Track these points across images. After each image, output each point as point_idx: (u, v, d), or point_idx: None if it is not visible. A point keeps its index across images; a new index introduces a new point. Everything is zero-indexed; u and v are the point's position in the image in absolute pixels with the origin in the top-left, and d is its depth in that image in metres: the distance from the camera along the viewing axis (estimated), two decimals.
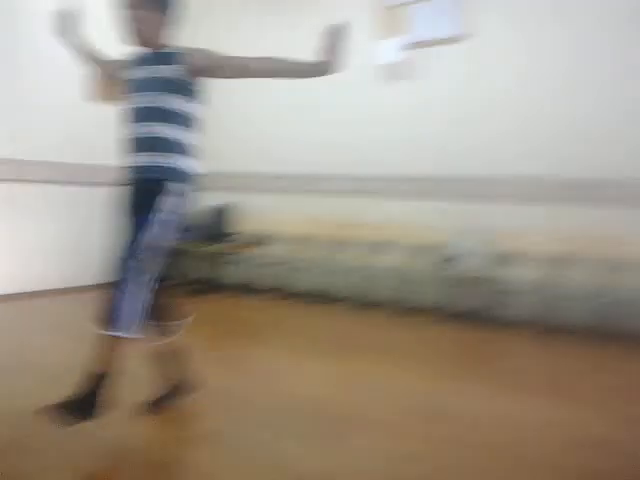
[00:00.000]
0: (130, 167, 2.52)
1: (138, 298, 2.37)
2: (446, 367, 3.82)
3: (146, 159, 2.47)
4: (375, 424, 2.67)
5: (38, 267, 5.55)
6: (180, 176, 2.48)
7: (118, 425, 2.52)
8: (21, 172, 5.38)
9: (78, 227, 5.87)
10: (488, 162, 5.19)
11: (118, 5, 2.46)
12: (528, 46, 5.05)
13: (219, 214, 6.50)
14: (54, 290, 5.62)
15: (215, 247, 6.26)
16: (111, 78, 2.85)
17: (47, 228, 5.64)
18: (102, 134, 5.74)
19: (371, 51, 5.68)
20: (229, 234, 6.37)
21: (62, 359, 3.48)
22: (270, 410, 2.81)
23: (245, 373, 3.46)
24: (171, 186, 2.44)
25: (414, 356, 4.08)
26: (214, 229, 6.38)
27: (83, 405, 2.35)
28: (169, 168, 2.46)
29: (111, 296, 2.36)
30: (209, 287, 6.30)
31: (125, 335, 2.35)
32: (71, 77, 5.60)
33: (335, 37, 2.32)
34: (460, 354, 4.21)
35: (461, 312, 5.16)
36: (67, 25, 2.71)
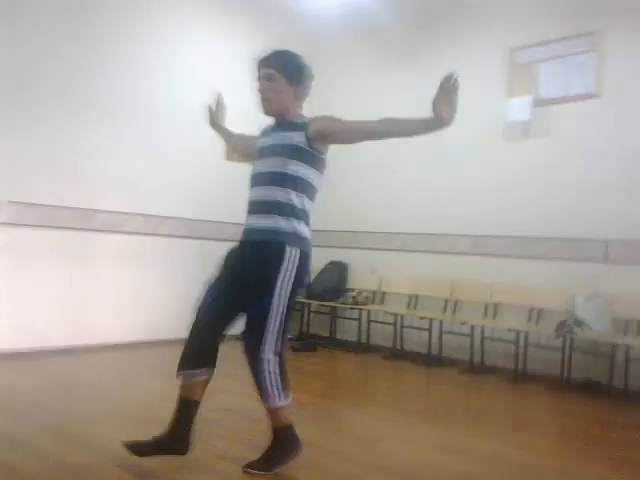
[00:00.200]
0: (248, 229, 2.63)
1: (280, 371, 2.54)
2: (563, 442, 3.57)
3: (264, 221, 2.55)
4: None
5: (161, 317, 5.87)
6: (295, 239, 2.54)
7: (210, 475, 2.57)
8: (151, 226, 5.78)
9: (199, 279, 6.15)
10: (616, 224, 4.94)
11: (255, 77, 2.64)
12: None
13: (336, 271, 6.59)
14: (173, 340, 5.90)
15: (331, 303, 6.34)
16: (241, 152, 3.11)
17: (169, 279, 5.97)
18: (223, 192, 6.16)
19: (501, 108, 5.63)
20: (345, 290, 6.43)
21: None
22: (368, 469, 2.75)
23: (348, 433, 3.42)
24: (287, 250, 2.50)
25: (530, 427, 3.86)
26: (331, 285, 6.46)
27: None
28: (287, 232, 2.53)
29: (253, 375, 2.53)
30: (324, 342, 6.37)
31: (283, 404, 2.57)
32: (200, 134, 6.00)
33: (448, 88, 2.29)
34: (581, 428, 3.90)
35: (582, 381, 4.85)
36: (216, 115, 3.06)
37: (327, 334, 6.59)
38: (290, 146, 2.55)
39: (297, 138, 2.56)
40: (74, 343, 5.19)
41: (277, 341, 2.51)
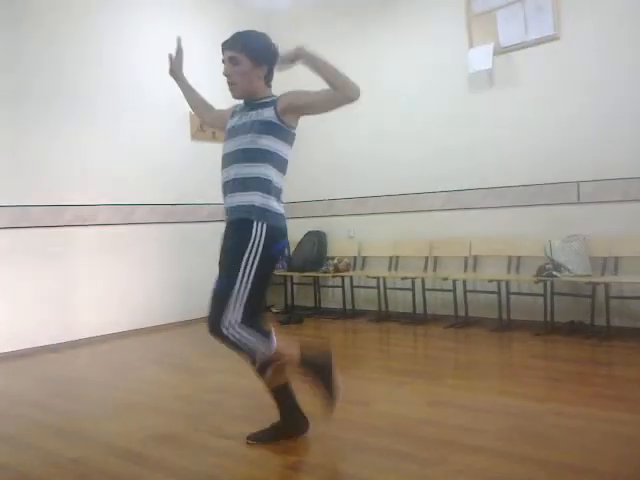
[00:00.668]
0: (226, 208, 2.61)
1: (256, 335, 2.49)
2: (553, 385, 3.65)
3: (238, 199, 2.54)
4: (476, 447, 2.58)
5: (144, 304, 5.86)
6: (264, 215, 2.52)
7: (213, 457, 2.60)
8: (123, 215, 5.73)
9: (184, 264, 6.16)
10: (586, 164, 4.99)
11: (222, 60, 2.59)
12: (616, 43, 4.83)
13: (315, 241, 6.59)
14: (168, 325, 5.93)
15: (313, 273, 6.36)
16: (210, 125, 3.06)
17: (147, 266, 5.94)
18: (192, 175, 6.13)
19: (463, 60, 5.58)
20: (326, 259, 6.45)
21: (171, 392, 3.65)
22: (364, 433, 2.79)
23: (341, 398, 3.45)
24: (255, 225, 2.49)
25: (518, 374, 3.94)
26: (311, 256, 6.47)
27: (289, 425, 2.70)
28: (257, 207, 2.51)
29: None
30: (309, 313, 6.40)
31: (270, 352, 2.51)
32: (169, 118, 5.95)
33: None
34: (569, 370, 3.97)
35: (566, 323, 4.95)
36: (175, 63, 2.95)
37: (312, 304, 6.63)
38: (259, 121, 2.53)
39: (266, 113, 2.54)
40: (59, 340, 5.16)
41: (236, 312, 2.43)
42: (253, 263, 2.46)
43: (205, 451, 2.66)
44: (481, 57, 5.48)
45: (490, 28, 5.45)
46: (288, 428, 2.73)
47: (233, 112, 2.74)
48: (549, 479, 2.24)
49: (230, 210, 2.59)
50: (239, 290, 2.43)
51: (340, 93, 2.44)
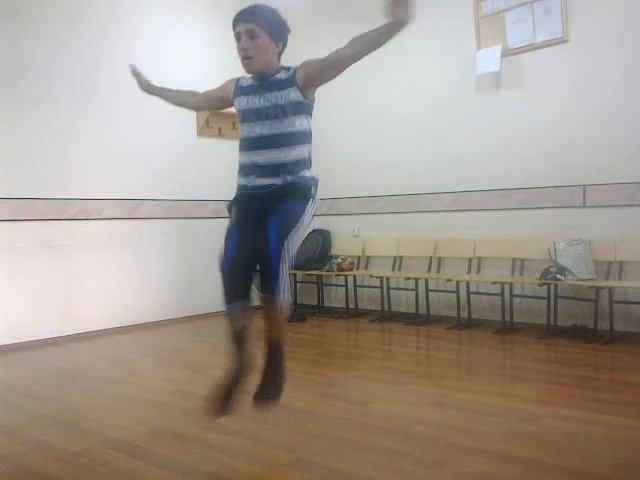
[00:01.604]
0: (262, 186, 2.55)
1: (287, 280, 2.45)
2: (554, 388, 3.64)
3: (282, 180, 2.54)
4: (477, 449, 2.58)
5: (147, 300, 5.87)
6: (314, 182, 2.61)
7: (212, 452, 2.61)
8: (129, 210, 5.74)
9: (187, 260, 6.17)
10: (592, 168, 4.97)
11: (235, 34, 2.52)
12: (624, 47, 4.81)
13: (319, 239, 6.59)
14: (170, 320, 5.94)
15: (317, 271, 6.35)
16: (205, 108, 2.99)
17: (152, 262, 5.95)
18: (198, 171, 6.15)
19: (471, 61, 5.57)
20: (329, 258, 6.44)
21: (171, 387, 3.65)
22: (364, 432, 2.78)
23: (342, 397, 3.45)
24: (313, 189, 2.59)
25: (520, 377, 3.93)
26: (315, 254, 6.47)
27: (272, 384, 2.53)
28: (307, 178, 2.58)
29: (270, 274, 2.40)
30: (312, 311, 6.40)
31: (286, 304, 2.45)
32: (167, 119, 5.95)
33: None
34: (571, 374, 3.97)
35: (569, 327, 4.93)
36: (140, 81, 2.96)
37: (315, 303, 6.62)
38: (291, 104, 2.51)
39: (293, 94, 2.51)
40: (60, 334, 5.18)
41: (289, 251, 2.42)
42: (308, 215, 2.53)
43: (204, 446, 2.66)
44: (489, 59, 5.46)
45: (498, 30, 5.44)
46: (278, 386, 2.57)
47: (239, 88, 2.65)
48: None
49: (269, 187, 2.54)
50: (297, 232, 2.47)
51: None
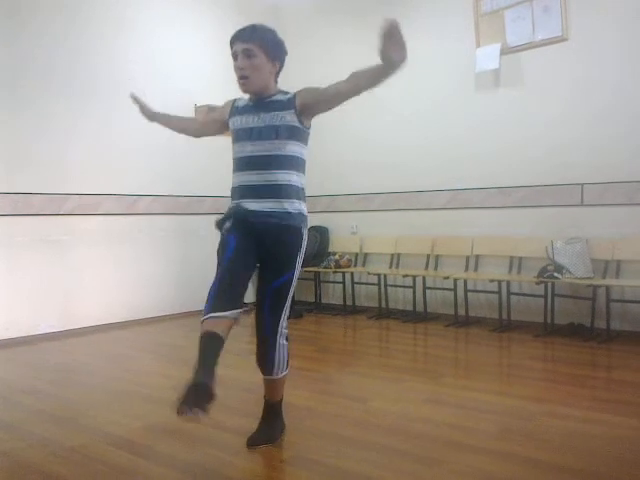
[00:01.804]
0: (256, 211, 2.50)
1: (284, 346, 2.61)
2: (550, 386, 3.65)
3: (271, 205, 2.49)
4: (473, 447, 2.58)
5: (145, 295, 5.87)
6: (304, 221, 2.56)
7: (209, 449, 2.61)
8: (126, 206, 5.73)
9: (185, 256, 6.16)
10: (590, 167, 4.98)
11: (232, 53, 2.51)
12: (623, 45, 4.82)
13: (317, 236, 6.59)
14: (166, 316, 5.94)
15: (314, 268, 6.35)
16: (204, 135, 2.99)
17: (149, 258, 5.95)
18: (197, 167, 6.14)
19: (470, 59, 5.57)
20: (327, 255, 6.45)
21: (169, 383, 3.66)
22: (361, 429, 2.79)
23: (339, 394, 3.46)
24: (303, 232, 2.54)
25: (517, 375, 3.94)
26: (312, 251, 6.47)
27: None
28: (299, 214, 2.53)
29: (265, 351, 2.57)
30: (310, 308, 6.40)
31: (285, 373, 2.65)
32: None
33: (389, 29, 2.25)
34: (568, 372, 3.98)
35: (566, 325, 4.95)
36: (144, 108, 2.92)
37: (312, 299, 6.63)
38: (285, 127, 2.48)
39: (289, 117, 2.49)
40: (58, 329, 5.18)
41: (287, 317, 2.61)
42: (298, 269, 2.55)
43: (202, 443, 2.67)
44: (488, 57, 5.46)
45: (498, 28, 5.44)
46: (271, 433, 2.70)
47: (235, 108, 2.63)
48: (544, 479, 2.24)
49: (261, 214, 2.48)
50: (290, 296, 2.55)
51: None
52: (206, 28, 6.22)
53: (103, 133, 5.55)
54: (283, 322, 2.57)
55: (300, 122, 2.51)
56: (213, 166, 6.08)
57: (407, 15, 5.90)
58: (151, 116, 2.93)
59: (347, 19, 6.37)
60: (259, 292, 2.56)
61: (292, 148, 2.51)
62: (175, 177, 6.09)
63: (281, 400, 2.74)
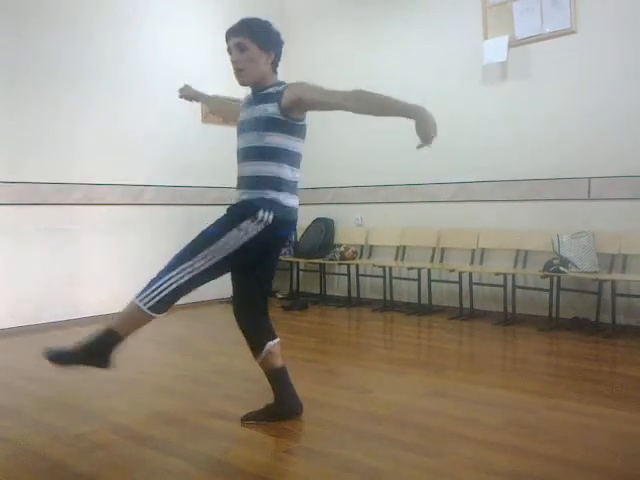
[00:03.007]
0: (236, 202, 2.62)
1: (171, 277, 2.63)
2: (555, 380, 3.65)
3: (247, 196, 2.56)
4: (477, 439, 2.58)
5: None
6: (271, 205, 2.51)
7: (213, 438, 2.62)
8: (132, 196, 5.74)
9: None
10: (598, 160, 4.95)
11: (227, 48, 2.57)
12: (633, 39, 4.78)
13: (322, 228, 6.59)
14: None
15: (320, 260, 6.36)
16: (224, 117, 3.12)
17: (154, 248, 5.95)
18: (202, 157, 6.14)
19: (477, 51, 5.53)
20: (332, 247, 6.44)
21: (172, 372, 3.67)
22: (365, 421, 2.80)
23: (344, 386, 3.46)
24: (259, 212, 2.49)
25: (521, 368, 3.94)
26: (318, 243, 6.47)
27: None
28: (261, 198, 2.52)
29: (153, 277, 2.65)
30: (314, 299, 6.41)
31: (141, 306, 2.68)
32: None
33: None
34: (572, 366, 3.98)
35: (571, 319, 4.94)
36: (191, 97, 3.12)
37: (317, 291, 6.64)
38: (264, 118, 2.52)
39: (271, 109, 2.51)
40: (64, 317, 5.20)
41: (189, 266, 2.63)
42: (234, 244, 2.51)
43: (206, 432, 2.68)
44: (496, 49, 5.43)
45: (506, 20, 5.40)
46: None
47: (243, 104, 2.71)
48: (546, 473, 2.24)
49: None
50: (200, 249, 2.64)
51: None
52: (213, 15, 6.21)
53: (109, 122, 5.55)
54: (181, 264, 2.64)
55: (283, 114, 2.51)
56: (219, 156, 6.08)
57: (414, 7, 5.90)
58: (201, 98, 3.13)
59: (356, 12, 6.34)
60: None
61: (273, 140, 2.52)
62: (181, 168, 6.10)
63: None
